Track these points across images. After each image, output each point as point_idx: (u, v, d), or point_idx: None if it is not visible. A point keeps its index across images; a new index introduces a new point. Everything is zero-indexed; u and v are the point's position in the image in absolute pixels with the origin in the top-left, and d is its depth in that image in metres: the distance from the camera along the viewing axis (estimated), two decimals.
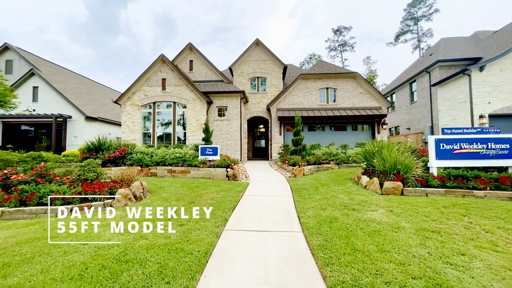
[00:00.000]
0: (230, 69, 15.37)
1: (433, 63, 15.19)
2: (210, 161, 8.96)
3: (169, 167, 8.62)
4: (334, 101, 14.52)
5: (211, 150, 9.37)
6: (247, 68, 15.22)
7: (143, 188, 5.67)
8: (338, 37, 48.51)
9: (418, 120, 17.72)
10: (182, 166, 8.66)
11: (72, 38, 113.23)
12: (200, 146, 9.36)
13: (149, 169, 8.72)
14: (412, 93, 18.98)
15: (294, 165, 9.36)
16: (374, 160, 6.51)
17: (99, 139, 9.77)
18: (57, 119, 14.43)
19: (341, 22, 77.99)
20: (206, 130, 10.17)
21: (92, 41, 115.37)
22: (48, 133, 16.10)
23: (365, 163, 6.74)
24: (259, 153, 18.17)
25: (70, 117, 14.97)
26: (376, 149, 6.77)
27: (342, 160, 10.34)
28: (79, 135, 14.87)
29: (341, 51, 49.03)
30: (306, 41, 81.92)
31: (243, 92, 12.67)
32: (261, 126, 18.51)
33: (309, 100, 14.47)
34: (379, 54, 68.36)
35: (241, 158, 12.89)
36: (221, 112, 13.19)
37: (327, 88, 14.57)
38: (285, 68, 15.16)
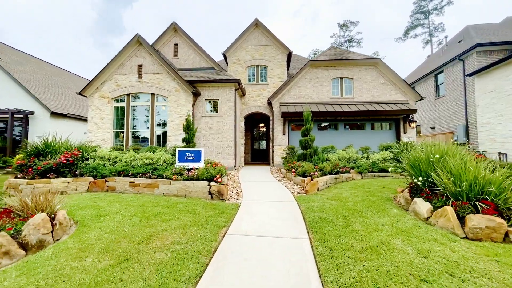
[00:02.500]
0: (224, 56, 13.13)
1: (470, 48, 12.85)
2: (189, 170, 6.72)
3: (132, 179, 6.38)
4: (350, 93, 12.21)
5: (192, 154, 7.13)
6: (245, 55, 12.97)
7: (58, 224, 3.43)
8: (344, 32, 46.64)
9: (446, 118, 15.38)
10: (150, 177, 6.42)
11: (77, 39, 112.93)
12: (177, 150, 7.12)
13: (106, 181, 6.49)
14: (437, 86, 16.65)
15: (304, 175, 7.09)
16: (433, 174, 4.23)
17: (43, 140, 7.57)
18: (14, 115, 12.27)
19: (348, 18, 76.01)
20: (188, 128, 7.93)
21: (97, 41, 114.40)
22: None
23: (420, 178, 4.44)
24: (258, 156, 15.91)
25: (32, 113, 12.79)
26: (436, 156, 4.47)
27: (366, 168, 8.07)
28: (43, 135, 12.65)
29: (347, 47, 46.97)
30: (311, 40, 79.74)
31: (238, 81, 10.42)
32: (262, 124, 16.26)
33: (319, 93, 12.18)
34: (386, 51, 66.24)
35: (235, 163, 10.63)
36: (211, 106, 10.95)
37: (341, 78, 12.27)
38: (289, 55, 12.90)
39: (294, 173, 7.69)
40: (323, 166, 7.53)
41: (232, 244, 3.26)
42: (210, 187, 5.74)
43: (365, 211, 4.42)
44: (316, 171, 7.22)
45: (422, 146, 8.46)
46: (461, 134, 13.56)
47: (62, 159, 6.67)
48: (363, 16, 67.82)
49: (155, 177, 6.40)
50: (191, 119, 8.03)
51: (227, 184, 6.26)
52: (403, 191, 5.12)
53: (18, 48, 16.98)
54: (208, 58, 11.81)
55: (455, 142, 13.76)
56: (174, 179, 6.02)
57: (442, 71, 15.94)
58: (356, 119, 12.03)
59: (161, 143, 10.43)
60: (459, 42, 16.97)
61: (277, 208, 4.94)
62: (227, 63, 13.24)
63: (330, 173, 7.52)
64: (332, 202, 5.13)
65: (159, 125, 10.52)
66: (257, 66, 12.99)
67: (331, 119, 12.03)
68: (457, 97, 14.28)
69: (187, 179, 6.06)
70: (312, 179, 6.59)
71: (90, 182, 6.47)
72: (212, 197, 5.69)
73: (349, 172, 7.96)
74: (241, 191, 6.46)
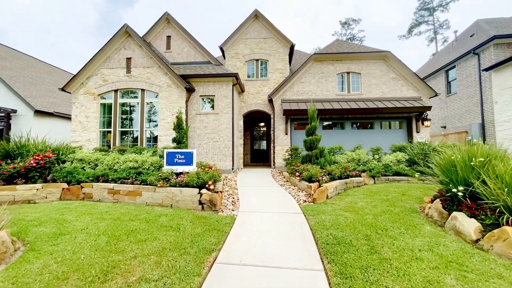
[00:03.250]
0: (222, 49, 12.30)
1: (487, 41, 11.99)
2: (179, 174, 5.90)
3: (112, 185, 5.54)
4: (358, 89, 11.36)
5: (182, 156, 6.31)
6: (243, 48, 12.13)
7: None
8: (346, 30, 45.90)
9: (458, 116, 14.52)
10: (132, 183, 5.58)
11: (77, 39, 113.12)
12: (165, 151, 6.29)
13: (81, 187, 5.65)
14: (448, 83, 15.79)
15: (310, 180, 6.25)
16: (477, 182, 3.40)
17: (15, 140, 6.76)
18: None
19: (350, 16, 75.27)
20: (178, 127, 7.10)
21: (98, 41, 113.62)
22: None
23: (460, 187, 3.58)
24: (259, 157, 15.07)
25: (14, 111, 11.97)
26: (480, 159, 3.62)
27: (379, 172, 7.21)
28: (13, 134, 11.82)
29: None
30: (312, 39, 78.94)
31: (235, 76, 9.58)
32: (262, 124, 15.42)
33: (324, 89, 11.34)
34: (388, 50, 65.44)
35: (233, 165, 9.78)
36: (207, 103, 10.10)
37: (347, 73, 11.43)
38: (292, 48, 12.06)
39: (298, 177, 6.84)
40: (332, 170, 6.68)
41: (221, 281, 2.41)
42: (201, 195, 4.89)
43: (391, 228, 3.57)
44: (324, 175, 6.37)
45: (442, 147, 7.62)
46: (477, 134, 12.70)
47: (32, 162, 5.84)
48: (366, 14, 66.99)
49: (138, 183, 5.55)
50: (183, 116, 7.21)
51: (221, 192, 5.41)
52: (432, 201, 4.28)
53: (21, 48, 16.07)
54: (203, 51, 10.98)
55: (470, 142, 12.90)
56: (158, 186, 5.17)
57: (454, 67, 15.08)
58: (365, 117, 11.18)
59: (151, 143, 9.59)
60: (471, 36, 16.12)
61: (280, 222, 4.09)
62: (224, 58, 12.40)
63: (340, 178, 6.67)
64: (347, 214, 4.28)
65: (149, 124, 9.68)
66: (257, 60, 12.16)
67: (337, 117, 11.18)
68: (471, 94, 13.42)
69: (175, 186, 5.21)
70: (320, 185, 5.74)
71: (63, 189, 5.64)
72: (203, 208, 4.85)
73: (360, 176, 7.11)
74: (238, 199, 5.61)
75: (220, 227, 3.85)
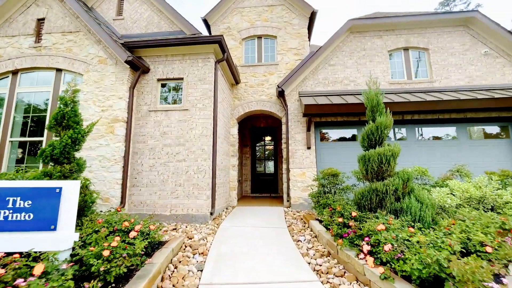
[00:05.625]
0: (206, 23, 8.55)
1: None
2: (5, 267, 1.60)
3: None
4: (426, 74, 7.23)
5: (27, 203, 2.12)
6: (239, 21, 8.36)
7: None
8: None
9: None
10: None
11: None
12: None
13: None
14: None
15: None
16: None
17: None
18: None
19: None
20: (61, 121, 2.94)
21: None
22: None
23: None
24: (263, 185, 10.61)
25: None
26: None
27: None
28: None
29: None
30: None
31: (219, 42, 5.56)
32: (268, 138, 11.17)
33: (368, 74, 7.22)
34: None
35: (213, 206, 5.41)
36: (169, 91, 6.02)
37: (406, 49, 7.38)
38: (312, 16, 8.23)
39: (370, 259, 2.46)
40: (479, 238, 2.29)
41: None
42: None
43: None
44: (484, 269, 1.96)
45: None
46: None
47: None
48: None
49: None
50: (74, 98, 3.06)
51: None
52: None
53: None
54: (173, 16, 7.15)
55: None
56: None
57: None
58: (439, 120, 6.87)
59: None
60: None
61: None
62: (210, 34, 8.62)
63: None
64: None
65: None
66: (260, 37, 8.30)
67: (394, 118, 6.90)
68: None
69: None
70: None
71: None
72: None
73: None
74: None
75: None
